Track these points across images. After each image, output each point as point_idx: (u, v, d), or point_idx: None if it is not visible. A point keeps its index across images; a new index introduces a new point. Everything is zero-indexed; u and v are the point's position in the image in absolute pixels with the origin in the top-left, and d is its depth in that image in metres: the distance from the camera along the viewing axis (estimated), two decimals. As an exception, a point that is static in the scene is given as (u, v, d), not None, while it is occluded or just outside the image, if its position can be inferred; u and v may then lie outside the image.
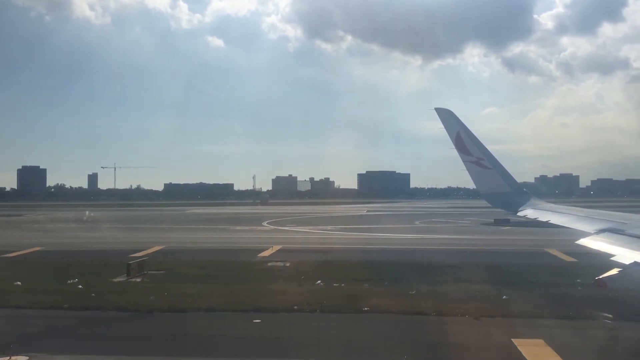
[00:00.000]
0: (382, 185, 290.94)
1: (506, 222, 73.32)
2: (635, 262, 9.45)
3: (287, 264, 33.95)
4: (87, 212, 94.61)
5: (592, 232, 12.20)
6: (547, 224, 14.76)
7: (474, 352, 16.29)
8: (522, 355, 15.31)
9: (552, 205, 17.85)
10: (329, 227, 66.72)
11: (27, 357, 15.22)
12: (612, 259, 9.97)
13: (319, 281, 27.97)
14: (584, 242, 11.79)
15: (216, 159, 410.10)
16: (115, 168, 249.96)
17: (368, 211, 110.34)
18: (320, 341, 17.62)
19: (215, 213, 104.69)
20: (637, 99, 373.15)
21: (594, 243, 11.39)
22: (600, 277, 9.42)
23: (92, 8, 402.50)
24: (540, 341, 16.57)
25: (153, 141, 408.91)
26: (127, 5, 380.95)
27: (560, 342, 16.55)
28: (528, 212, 16.09)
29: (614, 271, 9.42)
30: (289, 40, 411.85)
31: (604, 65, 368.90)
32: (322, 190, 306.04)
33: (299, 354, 16.09)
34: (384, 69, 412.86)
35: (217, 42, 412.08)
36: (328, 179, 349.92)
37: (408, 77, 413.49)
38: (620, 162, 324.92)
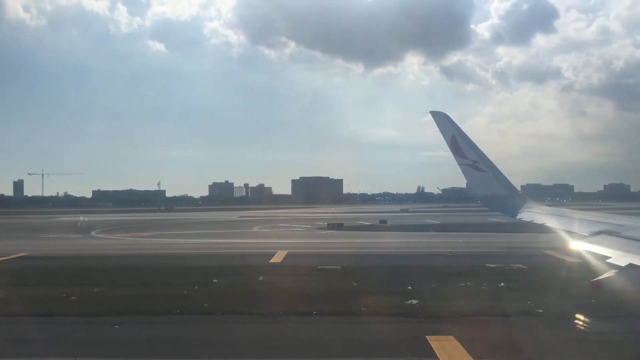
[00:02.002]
0: (314, 191, 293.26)
1: (339, 227, 75.14)
2: (630, 264, 9.43)
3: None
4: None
5: (588, 234, 12.25)
6: (542, 227, 14.82)
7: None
8: None
9: (548, 208, 18.05)
10: (146, 234, 64.01)
11: None
12: (608, 261, 9.93)
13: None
14: (580, 244, 11.78)
15: (151, 165, 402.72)
16: (42, 174, 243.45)
17: (239, 217, 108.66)
18: None
19: (80, 221, 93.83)
20: (569, 107, 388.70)
21: (590, 245, 11.35)
22: (597, 279, 9.39)
23: (26, 9, 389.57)
24: None
25: (86, 147, 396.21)
26: (63, 7, 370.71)
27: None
28: (524, 215, 16.21)
29: (610, 273, 9.42)
30: (232, 46, 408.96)
31: (537, 75, 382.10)
32: (258, 197, 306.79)
33: None
34: (326, 75, 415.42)
35: (157, 46, 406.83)
36: (263, 185, 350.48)
37: (350, 84, 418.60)
38: (552, 167, 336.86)
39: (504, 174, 17.81)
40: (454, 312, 19.58)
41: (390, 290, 24.04)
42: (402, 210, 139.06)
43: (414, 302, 21.35)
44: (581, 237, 12.09)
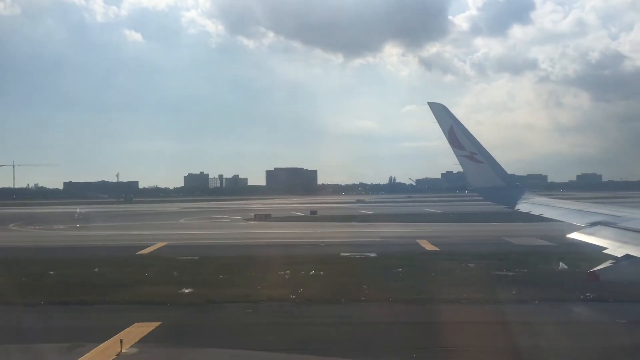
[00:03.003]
0: (288, 182, 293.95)
1: (266, 218, 75.87)
2: (627, 255, 9.43)
3: None
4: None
5: (584, 225, 12.22)
6: (540, 218, 14.82)
7: None
8: None
9: (545, 199, 17.99)
10: (63, 227, 63.45)
11: None
12: (604, 251, 9.96)
13: None
14: (576, 235, 11.73)
15: (127, 156, 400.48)
16: (14, 166, 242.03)
17: (182, 208, 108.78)
18: None
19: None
20: (545, 98, 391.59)
21: (586, 236, 11.34)
22: (593, 269, 9.43)
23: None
24: None
25: (59, 138, 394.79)
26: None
27: None
28: (522, 207, 16.13)
29: (607, 264, 9.45)
30: (210, 36, 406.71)
31: (514, 66, 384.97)
32: (233, 188, 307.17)
33: None
34: (306, 66, 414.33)
35: (134, 36, 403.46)
36: (237, 176, 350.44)
37: (330, 75, 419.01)
38: (528, 158, 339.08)
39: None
40: (207, 300, 20.42)
41: (193, 279, 24.86)
42: (357, 201, 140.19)
43: (186, 290, 22.06)
44: (578, 228, 12.20)
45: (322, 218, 73.20)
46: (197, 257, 33.24)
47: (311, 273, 26.53)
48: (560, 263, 26.97)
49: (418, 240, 40.78)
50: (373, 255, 33.40)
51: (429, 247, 37.68)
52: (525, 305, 19.57)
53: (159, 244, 41.29)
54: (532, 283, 23.15)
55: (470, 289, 21.63)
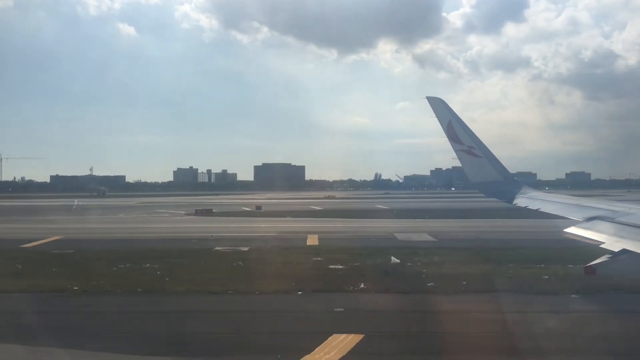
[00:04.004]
0: (276, 177, 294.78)
1: (207, 213, 76.35)
2: (624, 250, 9.49)
3: None
4: None
5: (582, 220, 12.32)
6: (536, 213, 15.05)
7: None
8: None
9: (543, 194, 18.16)
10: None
11: None
12: (601, 246, 10.04)
13: None
14: (573, 230, 11.81)
15: (117, 150, 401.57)
16: (1, 159, 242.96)
17: (138, 203, 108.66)
18: None
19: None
20: (538, 96, 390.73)
21: (583, 231, 11.41)
22: (590, 264, 9.49)
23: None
24: None
25: (48, 131, 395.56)
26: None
27: None
28: (519, 201, 16.21)
29: (604, 258, 9.53)
30: (203, 31, 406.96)
31: (507, 64, 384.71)
32: (221, 183, 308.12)
33: None
34: (299, 61, 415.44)
35: (128, 29, 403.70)
36: (226, 171, 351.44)
37: (323, 71, 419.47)
38: (520, 155, 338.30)
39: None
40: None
41: (23, 271, 25.84)
42: (327, 197, 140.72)
43: None
44: (575, 223, 12.32)
45: (263, 213, 73.75)
46: (71, 251, 33.73)
47: (145, 266, 26.95)
48: (392, 257, 27.44)
49: (309, 235, 41.21)
50: (244, 249, 33.84)
51: (311, 242, 38.15)
52: (286, 295, 20.21)
53: (53, 238, 41.81)
54: (340, 275, 23.77)
55: (267, 282, 22.16)
